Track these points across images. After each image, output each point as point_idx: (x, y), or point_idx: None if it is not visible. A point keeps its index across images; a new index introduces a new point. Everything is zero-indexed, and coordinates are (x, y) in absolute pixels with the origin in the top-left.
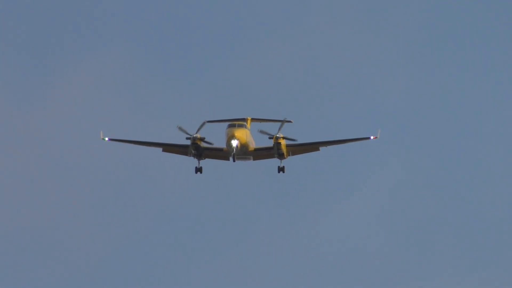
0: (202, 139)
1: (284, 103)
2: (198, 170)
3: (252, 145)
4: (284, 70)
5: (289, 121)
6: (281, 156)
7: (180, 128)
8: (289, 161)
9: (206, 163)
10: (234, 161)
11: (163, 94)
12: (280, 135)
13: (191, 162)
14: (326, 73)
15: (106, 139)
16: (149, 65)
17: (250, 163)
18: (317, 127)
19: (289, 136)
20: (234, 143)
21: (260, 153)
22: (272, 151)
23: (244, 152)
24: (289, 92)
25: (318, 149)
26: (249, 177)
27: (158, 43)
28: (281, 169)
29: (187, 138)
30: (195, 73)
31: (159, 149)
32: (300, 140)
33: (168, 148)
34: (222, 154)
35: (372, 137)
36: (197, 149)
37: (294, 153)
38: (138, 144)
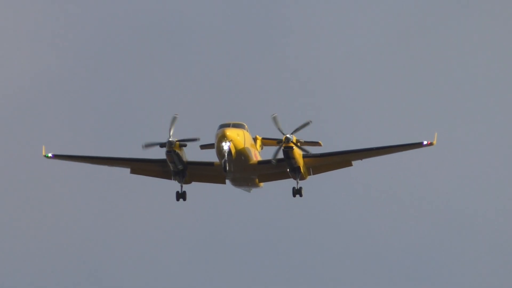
0: (182, 145)
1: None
2: (181, 195)
3: (255, 156)
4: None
5: (309, 122)
6: (296, 171)
7: (147, 145)
8: (310, 181)
9: (193, 188)
10: (225, 171)
11: (134, 99)
12: (292, 136)
13: (172, 186)
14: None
15: (50, 155)
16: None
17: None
18: (344, 137)
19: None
20: (225, 146)
21: (267, 170)
22: (284, 164)
23: (242, 167)
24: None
25: (351, 164)
26: (251, 205)
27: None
28: (297, 191)
29: (161, 146)
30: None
31: (127, 170)
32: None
33: (137, 165)
34: (213, 172)
35: (425, 142)
36: (176, 161)
37: (316, 170)
38: (93, 162)
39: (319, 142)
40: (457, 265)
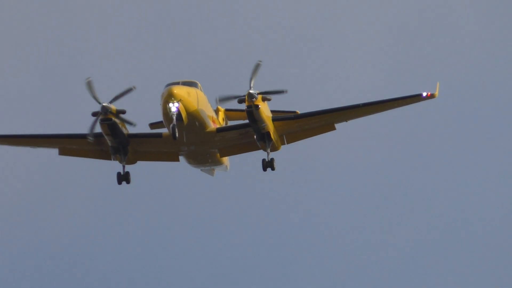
0: (119, 111)
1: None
2: (123, 177)
3: (212, 122)
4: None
5: (259, 63)
6: (265, 139)
7: (89, 85)
8: (284, 151)
9: (139, 168)
10: (174, 138)
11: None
12: (254, 91)
13: (113, 168)
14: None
15: None
16: None
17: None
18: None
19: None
20: (173, 107)
21: (229, 139)
22: (250, 130)
23: (197, 137)
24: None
25: (333, 127)
26: (210, 182)
27: None
28: (268, 164)
29: (93, 114)
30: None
31: (54, 151)
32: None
33: (67, 143)
34: (162, 146)
35: (424, 94)
36: (114, 134)
37: (291, 137)
38: (9, 142)
39: (296, 111)
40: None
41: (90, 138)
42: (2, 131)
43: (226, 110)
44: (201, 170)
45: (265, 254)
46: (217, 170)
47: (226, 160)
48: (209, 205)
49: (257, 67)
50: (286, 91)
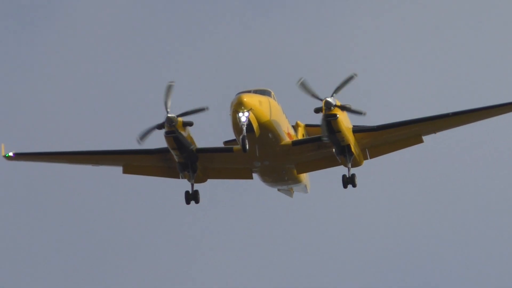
0: (186, 123)
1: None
2: (191, 196)
3: (288, 135)
4: None
5: (353, 76)
6: (345, 153)
7: (143, 135)
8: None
9: (209, 186)
10: (245, 150)
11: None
12: (333, 99)
13: (182, 187)
14: None
15: (11, 154)
16: None
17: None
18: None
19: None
20: (243, 116)
21: (307, 153)
22: (328, 143)
23: (271, 150)
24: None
25: (421, 139)
26: (284, 202)
27: None
28: (348, 180)
29: (158, 127)
30: None
31: (118, 170)
32: None
33: (131, 160)
34: (234, 162)
35: None
36: (180, 148)
37: (374, 151)
38: (70, 160)
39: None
40: None
41: (139, 141)
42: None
43: (307, 125)
44: (278, 190)
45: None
46: (296, 189)
47: (304, 178)
48: (285, 227)
49: (349, 80)
50: (356, 75)
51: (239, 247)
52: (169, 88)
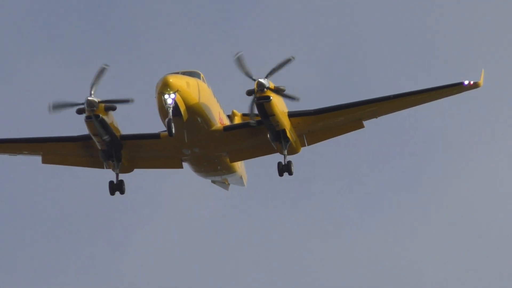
0: (108, 108)
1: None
2: (116, 187)
3: (219, 120)
4: None
5: (290, 59)
6: (280, 138)
7: (57, 106)
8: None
9: (134, 176)
10: (171, 134)
11: None
12: (267, 81)
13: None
14: None
15: None
16: None
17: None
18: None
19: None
20: (169, 98)
21: (240, 140)
22: (263, 128)
23: (202, 137)
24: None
25: (362, 124)
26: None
27: None
28: (284, 168)
29: (78, 112)
30: None
31: (37, 159)
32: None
33: (51, 149)
34: (162, 149)
35: (466, 83)
36: (102, 131)
37: (312, 137)
38: None
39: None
40: None
41: (50, 110)
42: None
43: (244, 115)
44: (212, 181)
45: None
46: (232, 182)
47: (239, 168)
48: (214, 219)
49: (285, 62)
50: (293, 58)
51: (161, 242)
52: (101, 71)
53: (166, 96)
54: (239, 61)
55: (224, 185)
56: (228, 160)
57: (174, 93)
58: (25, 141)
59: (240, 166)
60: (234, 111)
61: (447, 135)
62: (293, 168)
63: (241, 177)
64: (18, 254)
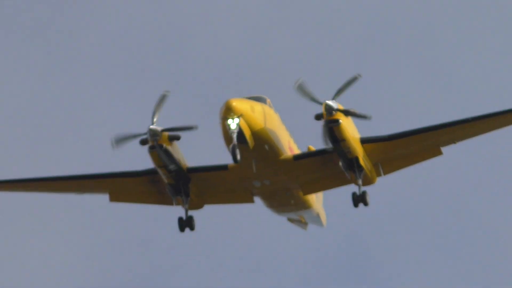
0: (173, 137)
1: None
2: (185, 223)
3: (288, 149)
4: None
5: (357, 77)
6: (353, 166)
7: (119, 140)
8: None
9: (204, 213)
10: (235, 161)
11: None
12: (336, 104)
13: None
14: None
15: None
16: None
17: None
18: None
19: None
20: (232, 124)
21: (311, 169)
22: (334, 156)
23: (270, 166)
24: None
25: (440, 151)
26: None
27: None
28: (359, 198)
29: (142, 143)
30: None
31: (105, 198)
32: None
33: (120, 187)
34: (230, 182)
35: None
36: (167, 163)
37: (388, 166)
38: (47, 188)
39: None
40: None
41: (114, 145)
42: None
43: None
44: (288, 219)
45: None
46: (308, 219)
47: (314, 202)
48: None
49: (352, 81)
50: (360, 76)
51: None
52: (162, 98)
53: (230, 121)
54: (301, 88)
55: (301, 224)
56: (301, 193)
57: (238, 117)
58: (88, 177)
59: (315, 201)
60: (310, 147)
61: None
62: (369, 199)
63: (318, 215)
64: None
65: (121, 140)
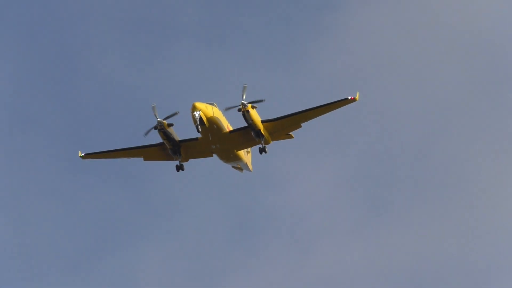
0: (169, 124)
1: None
2: (179, 167)
3: (227, 128)
4: None
5: (262, 100)
6: (259, 135)
7: (147, 132)
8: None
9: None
10: (198, 130)
11: None
12: (246, 102)
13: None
14: None
15: (82, 154)
16: None
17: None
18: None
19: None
20: (196, 114)
21: (238, 137)
22: (249, 130)
23: (218, 137)
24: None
25: (300, 126)
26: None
27: None
28: (262, 150)
29: (154, 128)
30: None
31: (140, 159)
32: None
33: (147, 153)
34: (200, 146)
35: (350, 98)
36: (168, 138)
37: (274, 136)
38: (118, 156)
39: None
40: None
41: (144, 135)
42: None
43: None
44: (232, 167)
45: None
46: (242, 166)
47: (244, 156)
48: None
49: (258, 101)
50: (264, 100)
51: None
52: (153, 109)
53: (195, 113)
54: (229, 108)
55: (239, 170)
56: (235, 151)
57: (199, 111)
58: (136, 148)
59: (244, 156)
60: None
61: None
62: (267, 150)
63: (246, 164)
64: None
65: (147, 132)
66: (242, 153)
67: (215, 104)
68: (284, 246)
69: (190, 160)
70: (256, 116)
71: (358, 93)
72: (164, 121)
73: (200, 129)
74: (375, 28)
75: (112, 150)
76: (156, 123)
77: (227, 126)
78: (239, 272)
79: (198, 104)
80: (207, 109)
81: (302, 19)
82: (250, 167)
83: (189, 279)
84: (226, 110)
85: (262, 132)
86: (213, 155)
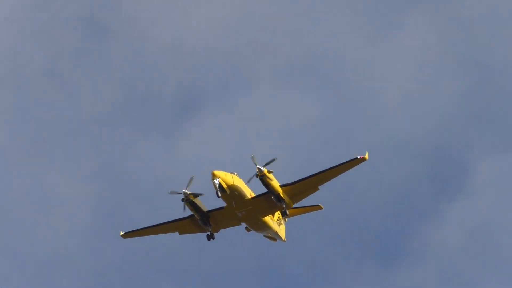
0: (195, 195)
1: None
2: (210, 236)
3: (249, 194)
4: None
5: (274, 159)
6: (279, 199)
7: (172, 192)
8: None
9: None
10: (218, 196)
11: None
12: (262, 167)
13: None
14: None
15: (123, 233)
16: None
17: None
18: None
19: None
20: (216, 181)
21: (261, 203)
22: (269, 195)
23: (241, 203)
24: None
25: (317, 188)
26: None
27: None
28: (284, 213)
29: (181, 200)
30: None
31: (176, 234)
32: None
33: (181, 226)
34: (227, 214)
35: (359, 157)
36: (196, 209)
37: (295, 200)
38: (155, 232)
39: (320, 205)
40: None
41: (170, 193)
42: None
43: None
44: (264, 236)
45: None
46: (273, 235)
47: (271, 223)
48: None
49: (271, 161)
50: (276, 159)
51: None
52: (190, 180)
53: (214, 180)
54: (253, 160)
55: (271, 239)
56: (261, 217)
57: (218, 178)
58: (168, 222)
59: (272, 223)
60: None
61: None
62: (288, 212)
63: (276, 232)
64: None
65: (173, 192)
66: (269, 221)
67: (235, 173)
68: None
69: (221, 230)
70: (273, 180)
71: (367, 152)
72: (188, 191)
73: (221, 196)
74: None
75: (149, 226)
76: (183, 194)
77: (250, 194)
78: None
79: (217, 172)
80: (226, 177)
81: None
82: (283, 237)
83: None
84: (248, 182)
85: (282, 196)
86: (241, 223)
